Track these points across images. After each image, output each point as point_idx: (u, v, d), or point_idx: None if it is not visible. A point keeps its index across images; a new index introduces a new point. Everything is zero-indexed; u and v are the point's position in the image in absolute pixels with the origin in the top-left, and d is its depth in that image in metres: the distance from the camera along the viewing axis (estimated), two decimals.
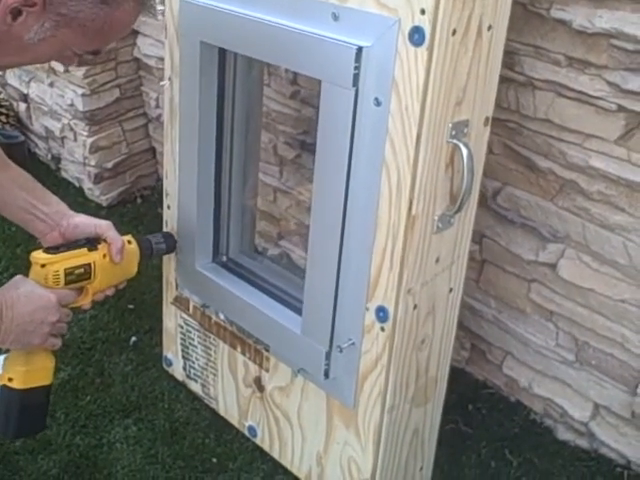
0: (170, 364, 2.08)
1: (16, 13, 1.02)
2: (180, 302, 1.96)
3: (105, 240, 1.44)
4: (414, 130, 1.29)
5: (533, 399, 1.97)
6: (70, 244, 1.41)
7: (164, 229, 1.91)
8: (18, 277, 1.37)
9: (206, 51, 1.60)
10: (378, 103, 1.31)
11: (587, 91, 1.48)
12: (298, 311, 1.63)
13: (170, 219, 1.88)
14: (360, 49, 1.29)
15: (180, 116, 1.73)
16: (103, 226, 1.45)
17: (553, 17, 1.47)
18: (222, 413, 1.97)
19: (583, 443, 1.89)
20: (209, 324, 1.90)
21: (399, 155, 1.32)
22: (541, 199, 1.70)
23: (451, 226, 1.46)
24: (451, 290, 1.56)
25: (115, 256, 1.43)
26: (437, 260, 1.47)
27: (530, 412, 1.99)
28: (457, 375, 2.01)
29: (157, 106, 2.68)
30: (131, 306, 2.35)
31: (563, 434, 1.92)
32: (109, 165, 2.82)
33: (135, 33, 2.61)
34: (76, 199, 2.84)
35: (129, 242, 1.51)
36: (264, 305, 1.71)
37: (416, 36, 1.23)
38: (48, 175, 2.98)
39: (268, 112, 2.10)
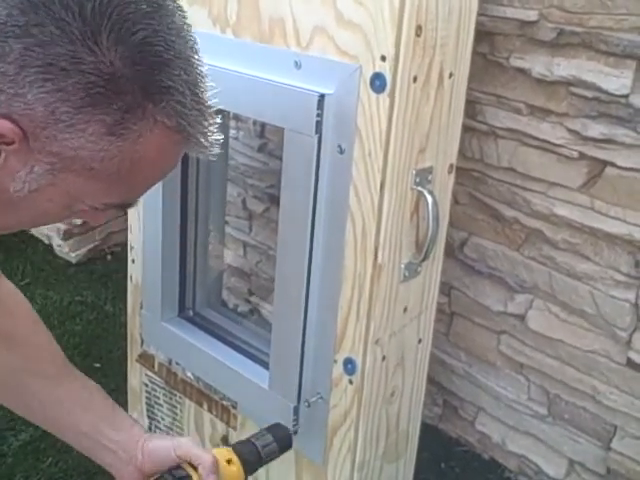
0: None
1: None
2: (145, 359, 1.91)
3: (194, 467, 1.05)
4: (378, 177, 1.28)
5: (507, 456, 1.93)
6: None
7: (129, 284, 1.87)
8: None
9: None
10: (341, 150, 1.31)
11: (549, 139, 1.50)
12: (266, 365, 1.59)
13: (135, 273, 1.85)
14: (322, 96, 1.29)
15: None
16: (183, 446, 1.07)
17: (512, 66, 1.49)
18: None
19: None
20: (175, 381, 1.85)
21: (363, 202, 1.31)
22: (507, 249, 1.69)
23: (418, 275, 1.44)
24: (420, 341, 1.54)
25: (208, 478, 1.04)
26: (405, 310, 1.45)
27: (505, 470, 1.94)
28: (430, 432, 1.97)
29: None
30: (97, 365, 2.30)
31: None
32: (79, 221, 2.79)
33: None
34: (45, 256, 2.81)
35: (229, 461, 1.09)
36: (231, 360, 1.66)
37: (377, 82, 1.23)
38: (16, 232, 2.94)
39: (236, 165, 2.10)
